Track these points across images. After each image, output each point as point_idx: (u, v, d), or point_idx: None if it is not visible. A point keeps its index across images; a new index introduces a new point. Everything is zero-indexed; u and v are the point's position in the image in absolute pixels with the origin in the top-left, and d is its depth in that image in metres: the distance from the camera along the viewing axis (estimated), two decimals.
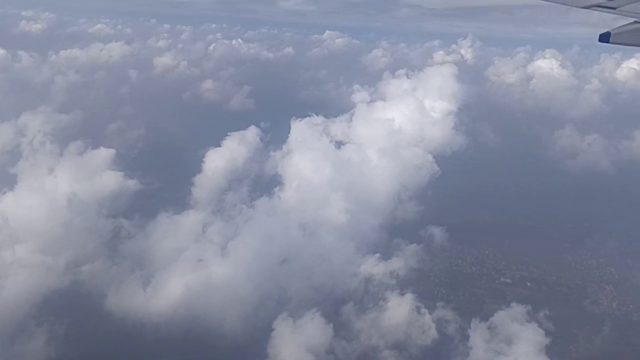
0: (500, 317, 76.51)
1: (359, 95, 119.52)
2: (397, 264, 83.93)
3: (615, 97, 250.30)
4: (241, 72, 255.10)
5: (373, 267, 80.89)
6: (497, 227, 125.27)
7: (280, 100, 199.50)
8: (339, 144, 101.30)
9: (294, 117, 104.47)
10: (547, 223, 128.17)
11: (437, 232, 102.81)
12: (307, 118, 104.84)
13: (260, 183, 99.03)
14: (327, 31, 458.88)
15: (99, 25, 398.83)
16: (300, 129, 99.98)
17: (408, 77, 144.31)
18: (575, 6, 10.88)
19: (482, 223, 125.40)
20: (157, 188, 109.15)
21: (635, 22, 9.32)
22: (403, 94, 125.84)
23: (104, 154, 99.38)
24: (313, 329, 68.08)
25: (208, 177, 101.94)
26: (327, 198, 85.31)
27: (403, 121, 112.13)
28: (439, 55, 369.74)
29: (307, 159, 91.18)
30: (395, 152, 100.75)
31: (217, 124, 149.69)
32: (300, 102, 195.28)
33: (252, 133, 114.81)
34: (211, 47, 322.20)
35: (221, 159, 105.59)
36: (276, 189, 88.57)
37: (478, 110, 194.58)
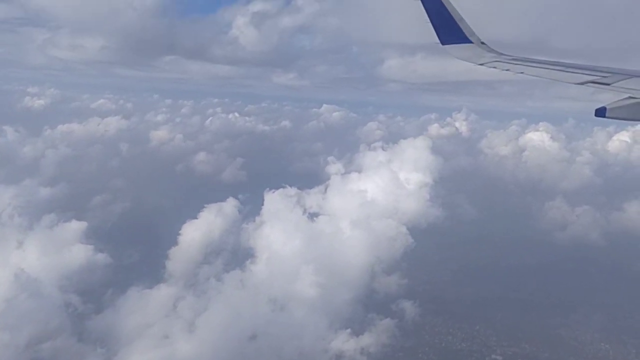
0: None
1: (334, 167, 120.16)
2: (369, 339, 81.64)
3: (606, 169, 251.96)
4: (236, 145, 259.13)
5: (344, 343, 78.60)
6: (488, 302, 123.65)
7: (272, 172, 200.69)
8: (313, 216, 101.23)
9: (267, 189, 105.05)
10: (538, 297, 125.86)
11: (409, 307, 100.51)
12: (281, 189, 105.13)
13: (236, 256, 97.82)
14: (324, 105, 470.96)
15: (101, 101, 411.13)
16: (273, 201, 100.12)
17: (384, 150, 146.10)
18: (570, 82, 11.49)
19: (471, 297, 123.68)
20: (132, 261, 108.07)
21: (630, 97, 9.68)
22: (378, 166, 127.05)
23: (76, 227, 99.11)
24: None
25: (183, 249, 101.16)
26: (298, 271, 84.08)
27: (377, 193, 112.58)
28: (434, 128, 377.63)
29: (279, 231, 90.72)
30: (369, 224, 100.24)
31: (205, 196, 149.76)
32: (292, 173, 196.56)
33: (230, 205, 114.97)
34: (208, 121, 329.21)
35: (197, 232, 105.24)
36: (247, 262, 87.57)
37: (457, 182, 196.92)
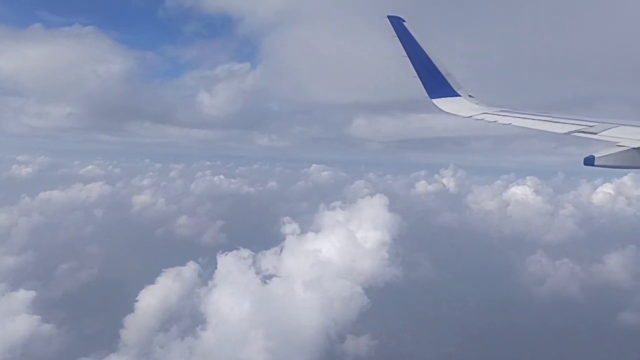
0: None
1: (289, 227, 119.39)
2: None
3: (590, 222, 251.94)
4: (218, 207, 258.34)
5: None
6: None
7: (252, 234, 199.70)
8: (268, 278, 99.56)
9: (220, 252, 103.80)
10: (512, 356, 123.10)
11: None
12: (235, 251, 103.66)
13: (193, 322, 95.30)
14: (313, 165, 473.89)
15: (89, 167, 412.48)
16: (226, 264, 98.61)
17: (342, 209, 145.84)
18: (557, 132, 11.72)
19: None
20: (90, 331, 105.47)
21: (617, 145, 9.79)
22: (335, 226, 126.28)
23: (23, 296, 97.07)
24: None
25: (140, 317, 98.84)
26: (247, 336, 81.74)
27: (332, 253, 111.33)
28: (421, 185, 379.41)
29: (230, 295, 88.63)
30: (323, 285, 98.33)
31: (179, 260, 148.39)
32: (274, 234, 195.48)
33: (190, 269, 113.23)
34: (193, 184, 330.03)
35: (154, 297, 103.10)
36: (198, 329, 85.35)
37: (433, 239, 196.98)
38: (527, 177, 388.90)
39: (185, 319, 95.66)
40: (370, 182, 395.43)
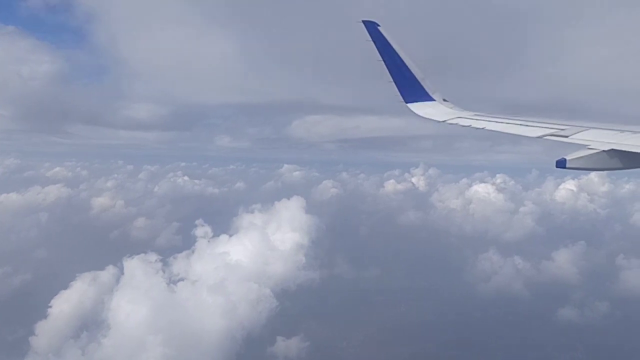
0: None
1: (201, 230, 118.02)
2: None
3: (549, 219, 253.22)
4: (179, 209, 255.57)
5: None
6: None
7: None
8: (177, 282, 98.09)
9: (127, 255, 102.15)
10: (468, 352, 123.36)
11: None
12: (142, 255, 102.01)
13: (100, 328, 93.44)
14: (285, 165, 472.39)
15: (57, 169, 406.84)
16: (132, 268, 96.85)
17: (260, 212, 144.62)
18: (529, 136, 12.29)
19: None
20: (15, 338, 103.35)
21: (588, 148, 10.19)
22: (251, 229, 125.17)
23: None
24: None
25: (51, 323, 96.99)
26: (150, 341, 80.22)
27: (244, 256, 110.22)
28: (390, 185, 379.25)
29: (134, 300, 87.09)
30: (229, 288, 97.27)
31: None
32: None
33: (108, 273, 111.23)
34: (156, 186, 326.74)
35: (67, 303, 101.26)
36: (99, 335, 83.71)
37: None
38: (497, 175, 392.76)
39: (96, 325, 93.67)
40: (340, 182, 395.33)
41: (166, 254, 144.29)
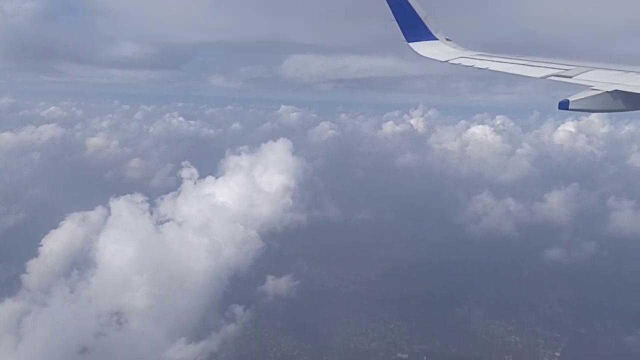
0: None
1: (187, 172, 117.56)
2: (209, 346, 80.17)
3: (545, 161, 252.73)
4: (174, 150, 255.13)
5: (179, 352, 76.74)
6: (404, 300, 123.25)
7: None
8: (162, 223, 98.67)
9: (106, 195, 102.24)
10: (450, 292, 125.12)
11: (241, 313, 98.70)
12: (128, 196, 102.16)
13: (90, 267, 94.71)
14: (282, 105, 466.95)
15: (51, 108, 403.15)
16: (119, 208, 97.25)
17: (247, 153, 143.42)
18: (533, 76, 12.20)
19: (380, 296, 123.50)
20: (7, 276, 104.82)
21: (592, 89, 10.03)
22: (237, 170, 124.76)
23: None
24: None
25: (43, 261, 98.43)
26: (136, 281, 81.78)
27: (230, 197, 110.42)
28: (388, 126, 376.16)
29: (120, 240, 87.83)
30: (215, 229, 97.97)
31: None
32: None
33: (97, 213, 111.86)
34: (151, 127, 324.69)
35: (59, 242, 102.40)
36: (87, 274, 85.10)
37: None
38: (497, 117, 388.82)
39: (86, 264, 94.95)
40: (338, 124, 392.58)
41: (160, 195, 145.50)
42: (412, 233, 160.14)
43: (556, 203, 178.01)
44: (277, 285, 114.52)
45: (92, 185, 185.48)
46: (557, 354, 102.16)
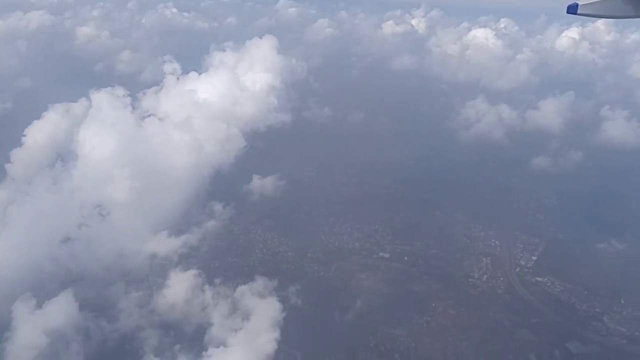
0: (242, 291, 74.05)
1: (170, 67, 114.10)
2: (190, 240, 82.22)
3: (544, 68, 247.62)
4: (166, 43, 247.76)
5: (160, 244, 78.91)
6: (383, 200, 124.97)
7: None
8: (144, 117, 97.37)
9: (94, 88, 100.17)
10: (442, 197, 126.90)
11: (221, 210, 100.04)
12: (109, 89, 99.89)
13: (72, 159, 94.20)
14: (280, 0, 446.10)
15: None
16: (100, 101, 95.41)
17: (233, 50, 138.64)
18: None
19: (363, 196, 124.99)
20: None
21: None
22: (220, 67, 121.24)
23: None
24: (67, 309, 65.67)
25: (26, 151, 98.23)
26: (117, 174, 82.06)
27: (213, 94, 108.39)
28: (388, 26, 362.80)
29: (101, 134, 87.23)
30: (198, 126, 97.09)
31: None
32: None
33: (81, 105, 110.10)
34: (143, 18, 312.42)
35: (43, 133, 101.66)
36: (69, 165, 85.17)
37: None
38: (501, 20, 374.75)
39: (71, 156, 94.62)
40: (337, 22, 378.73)
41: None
42: (403, 137, 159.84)
43: (550, 111, 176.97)
44: (263, 184, 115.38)
45: (80, 76, 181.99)
46: (534, 258, 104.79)
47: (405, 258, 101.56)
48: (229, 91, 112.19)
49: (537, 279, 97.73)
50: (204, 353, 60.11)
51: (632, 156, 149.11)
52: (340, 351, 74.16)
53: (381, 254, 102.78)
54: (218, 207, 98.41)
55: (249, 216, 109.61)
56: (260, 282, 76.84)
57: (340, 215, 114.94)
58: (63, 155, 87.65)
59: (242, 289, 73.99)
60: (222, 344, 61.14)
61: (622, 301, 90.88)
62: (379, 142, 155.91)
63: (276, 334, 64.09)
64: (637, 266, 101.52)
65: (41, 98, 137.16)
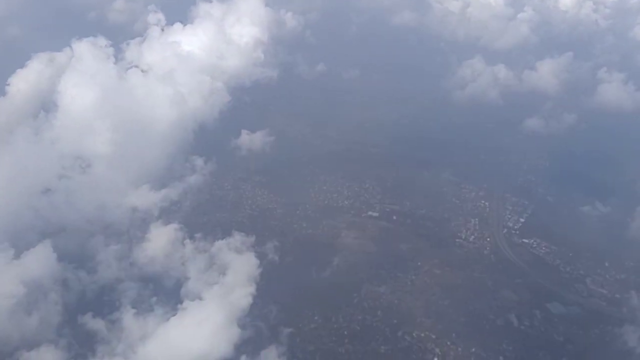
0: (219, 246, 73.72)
1: (154, 17, 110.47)
2: (171, 194, 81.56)
3: (545, 28, 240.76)
4: None
5: (142, 198, 78.24)
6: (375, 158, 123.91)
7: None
8: (126, 69, 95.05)
9: (76, 37, 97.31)
10: (434, 156, 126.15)
11: (202, 164, 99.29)
12: (91, 38, 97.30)
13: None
14: None
15: None
16: (82, 51, 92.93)
17: (220, 1, 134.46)
18: None
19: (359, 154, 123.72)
20: None
21: None
22: (206, 19, 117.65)
23: None
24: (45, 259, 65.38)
25: (9, 101, 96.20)
26: (98, 126, 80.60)
27: (198, 47, 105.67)
28: None
29: (82, 84, 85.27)
30: (181, 79, 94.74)
31: None
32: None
33: (66, 55, 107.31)
34: None
35: (26, 82, 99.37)
36: (49, 116, 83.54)
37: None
38: None
39: (51, 107, 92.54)
40: None
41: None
42: (398, 95, 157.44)
43: (546, 72, 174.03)
44: (251, 139, 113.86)
45: (70, 25, 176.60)
46: (522, 219, 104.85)
47: (394, 217, 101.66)
48: (214, 44, 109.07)
49: (524, 240, 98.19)
50: (179, 306, 60.10)
51: (625, 119, 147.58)
52: (321, 307, 74.31)
53: (370, 212, 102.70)
54: (199, 161, 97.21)
55: (238, 172, 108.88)
56: (237, 238, 76.29)
57: (331, 172, 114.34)
58: (46, 106, 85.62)
59: (220, 244, 73.32)
60: (198, 297, 61.09)
61: (606, 264, 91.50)
62: (373, 100, 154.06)
63: (252, 289, 63.98)
64: (623, 230, 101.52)
65: (28, 46, 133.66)
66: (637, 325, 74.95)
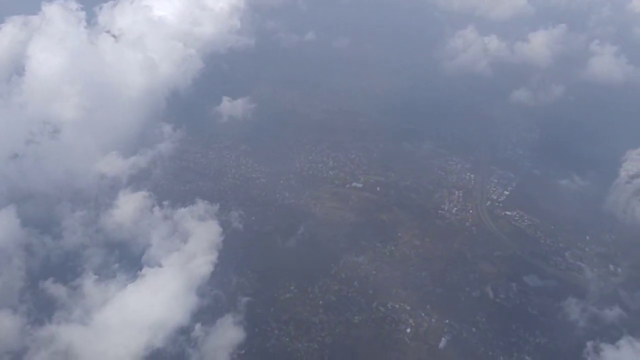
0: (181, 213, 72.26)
1: None
2: (140, 162, 79.82)
3: None
4: None
5: (109, 164, 76.49)
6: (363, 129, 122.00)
7: None
8: (97, 33, 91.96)
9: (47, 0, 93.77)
10: (422, 128, 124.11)
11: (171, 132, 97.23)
12: (62, 1, 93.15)
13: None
14: None
15: None
16: (52, 14, 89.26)
17: None
18: None
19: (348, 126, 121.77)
20: None
21: None
22: None
23: None
24: (8, 224, 64.05)
25: None
26: (67, 91, 78.17)
27: (171, 12, 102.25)
28: None
29: (51, 49, 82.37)
30: (153, 45, 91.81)
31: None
32: None
33: (39, 18, 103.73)
34: None
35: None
36: (18, 80, 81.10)
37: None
38: None
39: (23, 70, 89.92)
40: None
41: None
42: (388, 65, 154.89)
43: (539, 44, 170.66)
44: (233, 106, 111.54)
45: None
46: (506, 192, 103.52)
47: (378, 188, 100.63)
48: (187, 9, 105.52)
49: (507, 212, 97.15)
50: (138, 272, 58.95)
51: (614, 93, 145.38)
52: (297, 277, 73.64)
53: (354, 183, 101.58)
54: (168, 128, 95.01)
55: (223, 139, 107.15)
56: (201, 205, 74.90)
57: (317, 142, 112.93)
58: (19, 70, 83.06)
59: (183, 211, 71.98)
60: (158, 264, 59.93)
61: (587, 237, 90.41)
62: (363, 69, 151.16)
63: (213, 257, 62.79)
64: (602, 203, 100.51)
65: (2, 9, 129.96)
66: (612, 299, 74.05)
